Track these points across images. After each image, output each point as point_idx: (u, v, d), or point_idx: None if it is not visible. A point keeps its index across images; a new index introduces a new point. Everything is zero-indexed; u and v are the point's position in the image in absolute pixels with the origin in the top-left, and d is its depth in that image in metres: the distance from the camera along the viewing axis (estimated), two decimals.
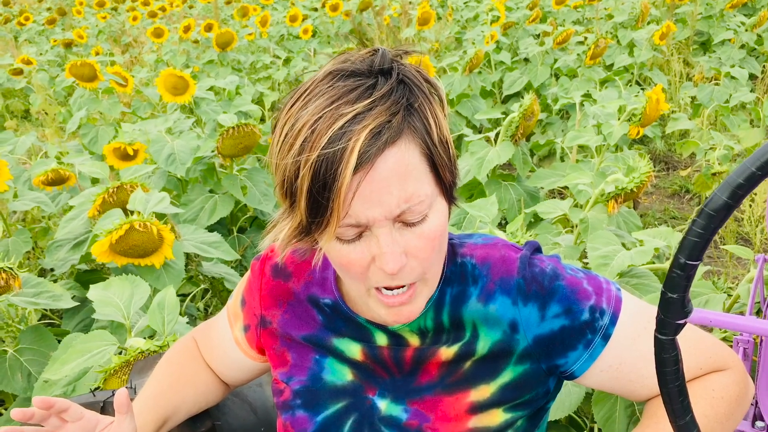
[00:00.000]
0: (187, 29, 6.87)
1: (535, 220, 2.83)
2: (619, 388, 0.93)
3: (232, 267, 3.29)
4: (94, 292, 1.67)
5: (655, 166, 5.52)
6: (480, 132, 5.28)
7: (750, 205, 3.84)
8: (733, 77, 5.08)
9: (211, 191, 3.44)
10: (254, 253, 3.58)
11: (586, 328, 0.90)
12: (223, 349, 1.12)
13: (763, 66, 6.66)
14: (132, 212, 2.12)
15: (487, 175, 3.26)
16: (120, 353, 1.62)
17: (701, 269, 1.67)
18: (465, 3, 11.00)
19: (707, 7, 7.74)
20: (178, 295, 2.39)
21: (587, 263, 1.74)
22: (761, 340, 1.06)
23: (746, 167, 0.48)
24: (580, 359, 0.91)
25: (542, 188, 3.43)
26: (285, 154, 0.77)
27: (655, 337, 0.57)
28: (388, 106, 0.75)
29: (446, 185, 0.83)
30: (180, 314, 1.70)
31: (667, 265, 1.74)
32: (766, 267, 1.28)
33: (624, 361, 0.91)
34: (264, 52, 7.82)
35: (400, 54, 0.82)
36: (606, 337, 0.90)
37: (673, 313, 0.55)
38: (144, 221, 2.00)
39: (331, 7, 8.42)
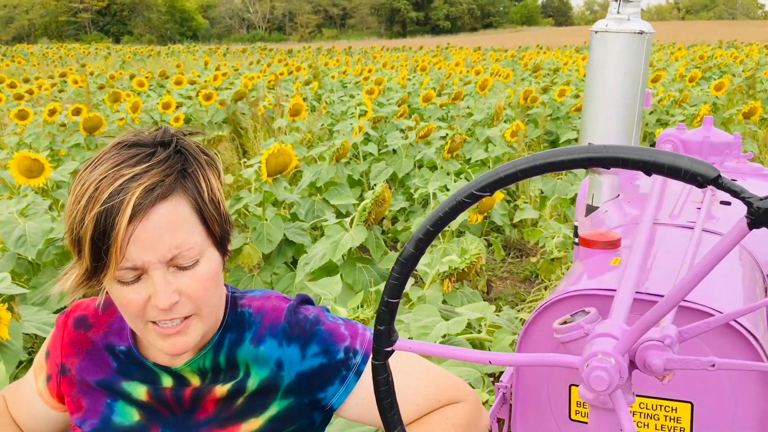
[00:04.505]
0: (52, 112, 6.76)
1: None
2: (374, 419, 1.06)
3: None
4: None
5: (509, 254, 5.91)
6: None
7: None
8: (574, 173, 5.62)
9: None
10: None
11: (341, 365, 1.04)
12: (29, 403, 1.16)
13: None
14: None
15: (343, 257, 3.41)
16: None
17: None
18: (339, 98, 11.49)
19: (555, 110, 8.54)
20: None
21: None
22: (514, 386, 1.24)
23: (424, 226, 0.63)
24: (337, 393, 1.05)
25: None
26: (73, 209, 0.89)
27: (372, 363, 0.70)
28: (163, 169, 0.90)
29: (216, 237, 0.97)
30: None
31: (483, 335, 1.92)
32: None
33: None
34: None
35: (184, 132, 0.98)
36: (358, 374, 1.05)
37: (382, 341, 0.68)
38: None
39: (205, 97, 8.56)
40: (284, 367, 1.04)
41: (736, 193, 0.58)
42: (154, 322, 0.95)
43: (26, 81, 14.85)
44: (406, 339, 0.68)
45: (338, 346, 1.04)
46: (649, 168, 0.59)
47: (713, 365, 0.70)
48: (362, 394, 1.05)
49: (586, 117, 1.62)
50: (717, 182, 0.58)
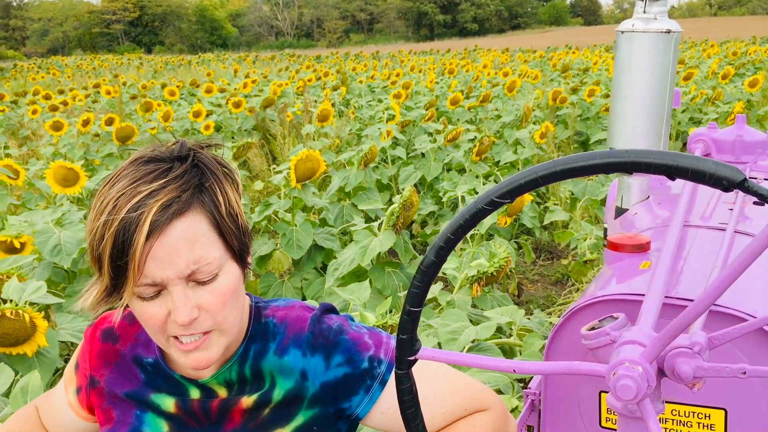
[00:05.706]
0: (86, 123, 6.89)
1: None
2: (400, 428, 1.05)
3: None
4: None
5: (540, 256, 5.86)
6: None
7: None
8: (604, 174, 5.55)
9: None
10: None
11: (366, 375, 1.03)
12: (59, 414, 1.18)
13: None
14: (6, 301, 2.12)
15: (372, 262, 3.41)
16: None
17: None
18: (367, 102, 11.52)
19: (585, 110, 8.45)
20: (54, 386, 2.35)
21: None
22: (543, 393, 1.22)
23: (444, 234, 0.63)
24: (362, 403, 1.04)
25: None
26: (93, 226, 0.90)
27: (395, 372, 0.69)
28: (179, 184, 0.90)
29: (235, 251, 0.97)
30: None
31: (513, 339, 1.90)
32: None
33: None
34: None
35: (201, 145, 0.97)
36: (383, 383, 1.04)
37: (405, 351, 0.68)
38: (16, 308, 2.01)
39: (234, 104, 8.65)
40: (309, 378, 1.04)
41: (763, 197, 0.56)
42: (175, 337, 0.95)
43: (61, 92, 15.16)
44: (429, 347, 0.68)
45: (362, 355, 1.04)
46: (672, 172, 0.58)
47: (744, 372, 0.68)
48: (387, 403, 1.04)
49: (613, 118, 1.60)
50: (743, 186, 0.56)
